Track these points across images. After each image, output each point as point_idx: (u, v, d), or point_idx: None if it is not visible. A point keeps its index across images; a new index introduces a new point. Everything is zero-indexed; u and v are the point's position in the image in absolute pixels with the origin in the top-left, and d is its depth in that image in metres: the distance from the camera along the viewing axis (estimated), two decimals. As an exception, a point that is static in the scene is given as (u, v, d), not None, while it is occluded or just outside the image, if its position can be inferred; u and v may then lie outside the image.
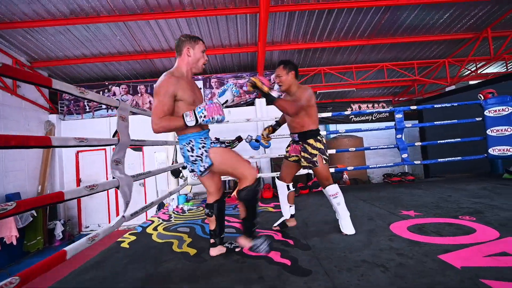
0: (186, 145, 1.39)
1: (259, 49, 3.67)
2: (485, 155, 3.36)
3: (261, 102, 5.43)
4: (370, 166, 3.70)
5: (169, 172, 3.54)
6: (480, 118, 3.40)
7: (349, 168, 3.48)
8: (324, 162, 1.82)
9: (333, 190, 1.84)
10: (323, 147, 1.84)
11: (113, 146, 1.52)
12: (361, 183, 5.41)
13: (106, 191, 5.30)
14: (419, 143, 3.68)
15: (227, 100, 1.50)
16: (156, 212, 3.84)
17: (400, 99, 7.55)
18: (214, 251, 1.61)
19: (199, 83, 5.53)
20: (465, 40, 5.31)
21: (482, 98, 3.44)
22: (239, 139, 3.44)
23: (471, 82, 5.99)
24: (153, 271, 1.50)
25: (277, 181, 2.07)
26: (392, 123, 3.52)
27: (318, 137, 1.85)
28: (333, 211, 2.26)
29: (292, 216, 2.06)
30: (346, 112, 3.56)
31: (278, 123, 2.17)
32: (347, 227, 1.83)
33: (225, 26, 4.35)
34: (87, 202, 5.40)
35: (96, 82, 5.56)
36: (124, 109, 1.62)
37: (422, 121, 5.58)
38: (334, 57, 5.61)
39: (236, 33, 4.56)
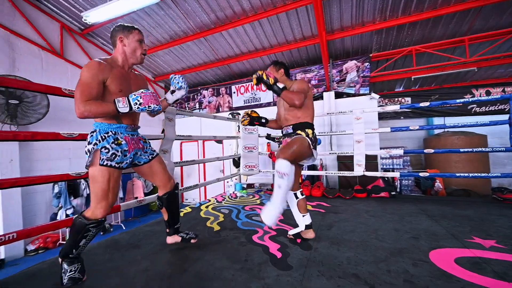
0: (91, 133, 1.29)
1: (321, 40, 3.48)
2: None
3: (329, 95, 5.10)
4: (485, 175, 2.65)
5: (231, 162, 4.12)
6: None
7: (458, 174, 2.69)
8: (308, 141, 1.67)
9: (283, 167, 1.50)
10: (313, 139, 1.72)
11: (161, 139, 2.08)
12: (476, 197, 3.92)
13: (201, 175, 6.70)
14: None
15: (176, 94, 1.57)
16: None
17: None
18: (169, 240, 1.70)
19: (269, 81, 5.85)
20: None
21: None
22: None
23: None
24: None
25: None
26: None
27: (314, 132, 1.77)
28: (373, 222, 2.00)
29: (308, 227, 1.79)
30: (458, 100, 2.69)
31: (267, 121, 2.08)
32: (268, 214, 1.50)
33: (286, 22, 4.41)
34: (186, 181, 7.05)
35: (192, 88, 7.04)
36: (171, 112, 2.16)
37: None
38: (432, 30, 4.38)
39: (299, 27, 4.50)
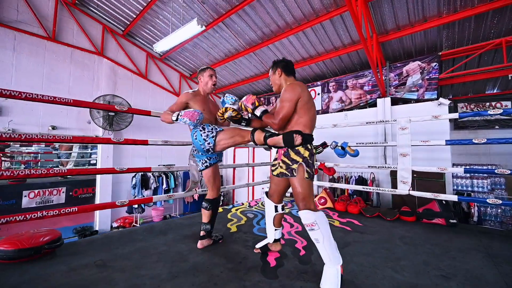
0: (197, 128, 1.70)
1: (364, 45, 3.21)
2: None
3: (384, 102, 4.53)
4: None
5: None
6: None
7: None
8: (306, 176, 1.43)
9: (308, 218, 1.35)
10: (308, 158, 1.46)
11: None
12: None
13: (250, 180, 7.09)
14: None
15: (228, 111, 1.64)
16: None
17: None
18: (202, 243, 1.84)
19: (317, 89, 5.71)
20: None
21: None
22: (323, 144, 3.49)
23: None
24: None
25: (265, 197, 1.77)
26: None
27: (308, 145, 1.49)
28: (401, 250, 1.79)
29: (276, 240, 1.77)
30: None
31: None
32: (327, 281, 1.28)
33: (332, 29, 4.26)
34: (237, 183, 7.57)
35: (247, 98, 7.57)
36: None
37: None
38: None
39: (347, 32, 4.27)
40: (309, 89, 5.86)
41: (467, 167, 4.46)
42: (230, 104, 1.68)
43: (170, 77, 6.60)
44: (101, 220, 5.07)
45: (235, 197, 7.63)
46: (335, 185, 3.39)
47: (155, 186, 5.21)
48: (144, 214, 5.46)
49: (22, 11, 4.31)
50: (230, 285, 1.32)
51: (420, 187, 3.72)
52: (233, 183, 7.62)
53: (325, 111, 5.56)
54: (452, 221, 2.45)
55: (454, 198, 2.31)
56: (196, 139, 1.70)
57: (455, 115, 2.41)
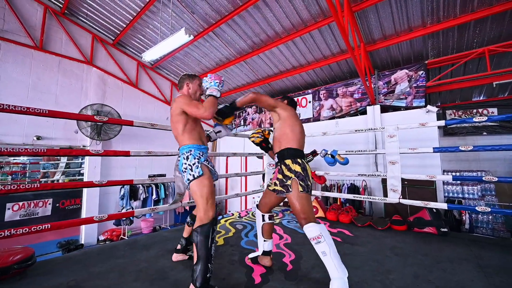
0: (185, 153, 1.51)
1: (352, 54, 3.25)
2: None
3: (373, 109, 4.57)
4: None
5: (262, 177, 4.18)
6: None
7: None
8: (301, 189, 1.45)
9: (312, 232, 1.35)
10: (301, 171, 1.51)
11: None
12: None
13: (242, 191, 6.98)
14: None
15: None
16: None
17: None
18: (176, 257, 1.79)
19: (309, 97, 5.75)
20: None
21: None
22: (313, 153, 3.45)
23: None
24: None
25: (255, 207, 1.82)
26: None
27: (298, 159, 1.55)
28: (392, 262, 1.76)
29: (266, 253, 1.69)
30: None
31: (270, 148, 1.95)
32: None
33: (320, 38, 4.33)
34: (230, 193, 7.44)
35: (239, 106, 7.57)
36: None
37: None
38: (509, 27, 3.45)
39: (335, 41, 4.34)
40: (300, 97, 5.90)
41: (457, 173, 4.48)
42: (215, 86, 1.59)
43: (161, 85, 6.56)
44: (87, 233, 4.87)
45: (228, 207, 7.50)
46: (326, 194, 3.34)
47: (144, 196, 5.06)
48: (133, 226, 5.29)
49: (8, 20, 4.26)
50: (210, 306, 1.24)
51: (411, 195, 3.70)
52: (226, 193, 7.49)
53: (316, 118, 5.58)
54: (443, 229, 2.42)
55: (444, 206, 2.28)
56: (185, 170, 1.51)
57: (441, 123, 2.43)
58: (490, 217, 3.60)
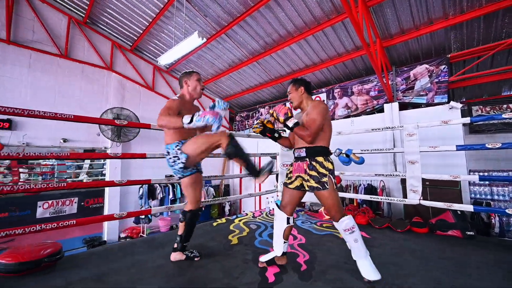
0: (167, 153, 1.65)
1: (367, 51, 3.16)
2: None
3: (391, 107, 4.40)
4: None
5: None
6: None
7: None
8: (335, 187, 1.55)
9: (348, 224, 1.51)
10: (333, 169, 1.59)
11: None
12: None
13: (256, 190, 7.00)
14: None
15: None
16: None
17: None
18: (174, 256, 1.77)
19: (323, 96, 5.65)
20: None
21: None
22: None
23: None
24: (203, 242, 2.20)
25: (276, 209, 1.77)
26: None
27: (329, 157, 1.62)
28: (411, 266, 1.73)
29: (284, 253, 1.72)
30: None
31: (280, 136, 1.92)
32: (368, 271, 1.47)
33: (334, 36, 4.24)
34: (244, 193, 7.49)
35: (252, 106, 7.61)
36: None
37: None
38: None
39: (349, 38, 4.23)
40: (314, 96, 5.80)
41: (485, 173, 4.19)
42: (223, 109, 1.63)
43: (176, 88, 6.74)
44: (109, 231, 5.12)
45: (242, 207, 7.54)
46: (341, 194, 3.26)
47: (161, 196, 5.23)
48: (151, 224, 5.47)
49: (37, 31, 4.58)
50: (224, 304, 1.26)
51: (433, 196, 3.51)
52: (240, 193, 7.54)
53: (331, 118, 5.46)
54: (469, 233, 2.27)
55: (470, 208, 2.14)
56: (172, 166, 1.66)
57: (466, 120, 2.28)
58: (524, 221, 3.34)
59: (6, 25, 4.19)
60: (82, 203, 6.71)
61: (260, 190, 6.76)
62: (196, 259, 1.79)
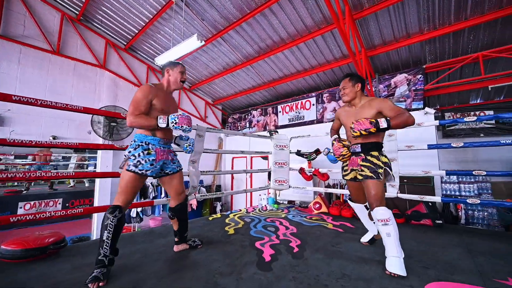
0: (131, 142, 1.61)
1: (354, 59, 3.48)
2: None
3: (374, 111, 4.77)
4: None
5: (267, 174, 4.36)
6: None
7: None
8: (385, 180, 1.66)
9: (383, 214, 1.52)
10: (388, 163, 1.70)
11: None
12: None
13: (248, 186, 7.13)
14: None
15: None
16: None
17: None
18: (177, 248, 1.85)
19: (312, 100, 5.95)
20: None
21: None
22: (317, 151, 3.65)
23: None
24: (201, 233, 2.34)
25: (351, 203, 2.04)
26: None
27: (382, 151, 1.74)
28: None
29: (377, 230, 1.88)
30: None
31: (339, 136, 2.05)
32: (394, 265, 1.45)
33: (324, 44, 4.55)
34: (235, 194, 7.60)
35: (245, 108, 7.80)
36: (201, 129, 2.65)
37: None
38: (506, 32, 3.65)
39: (337, 47, 4.56)
40: (304, 100, 6.11)
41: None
42: (190, 145, 1.88)
43: (169, 88, 6.80)
44: (98, 230, 5.05)
45: (234, 205, 7.66)
46: (329, 190, 3.52)
47: (153, 195, 5.25)
48: (142, 223, 5.46)
49: (28, 26, 4.53)
50: (228, 277, 1.42)
51: (409, 192, 3.84)
52: (232, 189, 7.66)
53: (320, 120, 5.78)
54: (438, 221, 2.59)
55: (438, 199, 2.46)
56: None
57: (436, 122, 2.62)
58: (486, 213, 3.75)
59: (-4, 19, 4.13)
60: (67, 204, 6.52)
61: (251, 187, 6.92)
62: (199, 247, 1.92)
